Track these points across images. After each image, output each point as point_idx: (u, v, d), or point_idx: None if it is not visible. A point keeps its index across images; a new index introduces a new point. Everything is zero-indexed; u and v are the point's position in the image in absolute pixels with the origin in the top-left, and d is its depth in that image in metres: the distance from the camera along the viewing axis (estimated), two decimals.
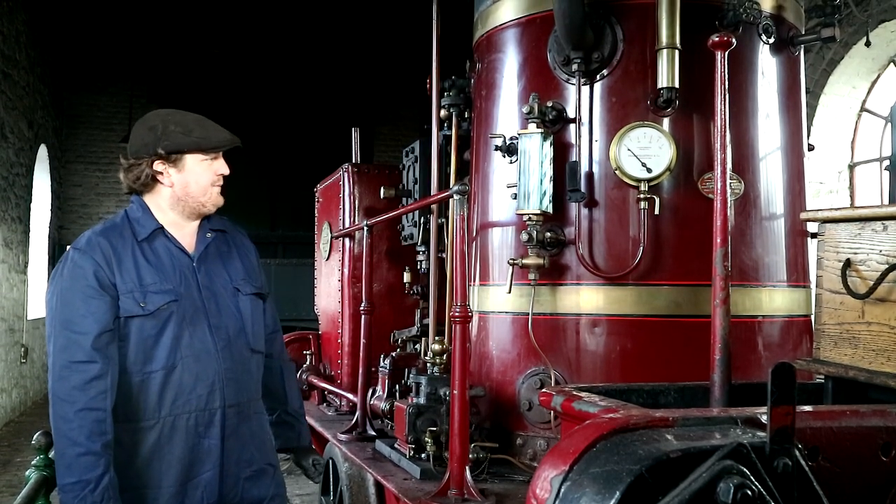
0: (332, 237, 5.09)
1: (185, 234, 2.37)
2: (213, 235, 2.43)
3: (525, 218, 2.88)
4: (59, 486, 2.11)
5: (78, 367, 2.11)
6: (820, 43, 3.24)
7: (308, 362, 5.24)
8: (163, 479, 2.21)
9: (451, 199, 3.25)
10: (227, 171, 2.36)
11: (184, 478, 2.23)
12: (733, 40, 2.03)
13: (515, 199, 2.92)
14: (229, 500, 2.31)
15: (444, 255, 3.77)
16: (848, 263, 1.79)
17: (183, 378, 2.23)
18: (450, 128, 3.75)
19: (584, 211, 2.93)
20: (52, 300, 2.22)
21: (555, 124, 2.95)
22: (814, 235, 1.96)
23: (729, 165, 2.02)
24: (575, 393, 1.72)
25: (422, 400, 3.03)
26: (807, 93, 3.40)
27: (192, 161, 2.31)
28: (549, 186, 2.87)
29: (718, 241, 1.97)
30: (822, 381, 1.95)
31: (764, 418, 1.25)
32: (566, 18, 2.79)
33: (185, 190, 2.32)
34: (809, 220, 2.48)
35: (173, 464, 2.22)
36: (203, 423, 2.25)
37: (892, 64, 7.37)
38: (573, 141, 2.94)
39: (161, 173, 2.32)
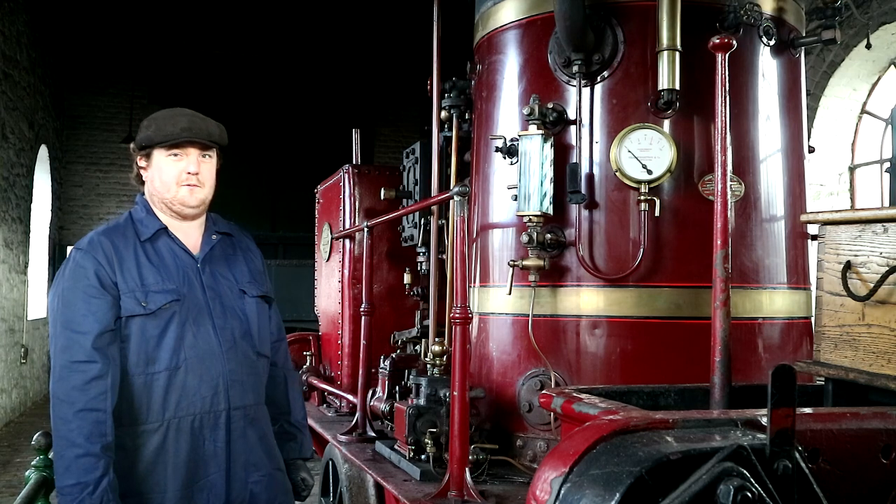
0: (332, 238, 5.09)
1: (188, 234, 2.36)
2: (219, 238, 2.43)
3: (525, 219, 2.87)
4: (58, 489, 2.08)
5: (78, 367, 2.09)
6: (820, 45, 3.24)
7: (308, 363, 5.24)
8: (168, 483, 2.17)
9: (451, 201, 3.25)
10: (193, 170, 2.30)
11: (189, 481, 2.20)
12: (734, 42, 2.03)
13: (516, 200, 2.91)
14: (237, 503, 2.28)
15: (444, 257, 3.77)
16: (848, 265, 1.79)
17: (187, 379, 2.20)
18: (450, 129, 3.75)
19: (585, 213, 2.93)
20: (55, 301, 2.21)
21: (555, 126, 2.95)
22: (814, 237, 1.95)
23: (729, 167, 2.02)
24: (575, 394, 1.72)
25: (422, 401, 3.03)
26: (807, 95, 3.40)
27: (158, 156, 2.31)
28: (549, 188, 2.87)
29: (719, 242, 1.96)
30: (823, 383, 1.95)
31: (764, 420, 1.25)
32: (567, 20, 2.79)
33: (153, 185, 2.34)
34: (810, 222, 2.47)
35: (178, 467, 2.18)
36: (208, 425, 2.23)
37: (892, 66, 7.37)
38: (574, 142, 2.94)
39: (144, 168, 2.36)
